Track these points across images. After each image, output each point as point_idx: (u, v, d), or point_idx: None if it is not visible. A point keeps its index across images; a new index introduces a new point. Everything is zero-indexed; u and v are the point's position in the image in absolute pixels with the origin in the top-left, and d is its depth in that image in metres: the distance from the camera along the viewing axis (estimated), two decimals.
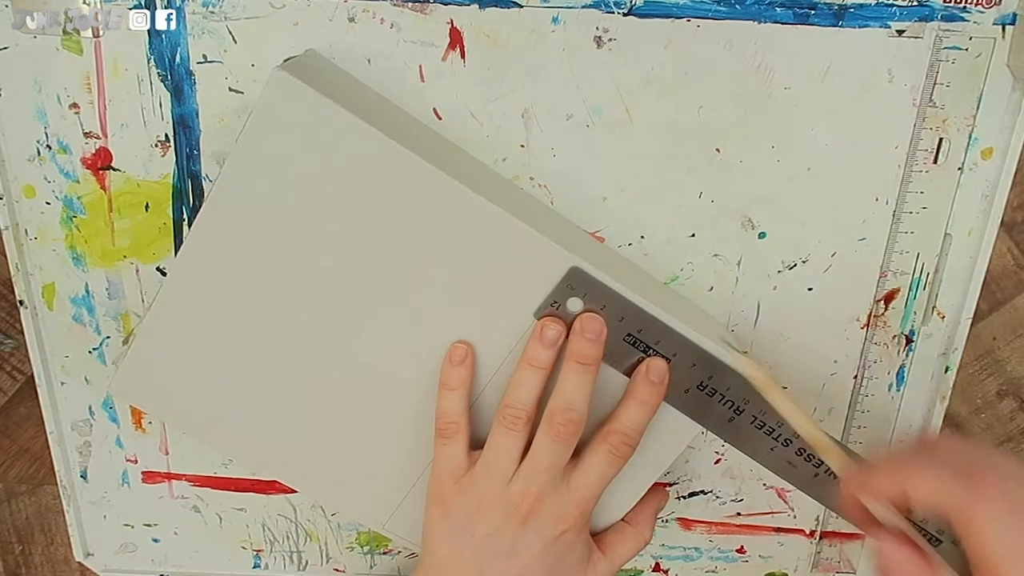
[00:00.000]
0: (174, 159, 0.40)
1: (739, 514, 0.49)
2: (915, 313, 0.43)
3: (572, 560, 0.41)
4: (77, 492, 0.49)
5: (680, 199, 0.41)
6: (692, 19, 0.37)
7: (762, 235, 0.41)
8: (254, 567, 0.51)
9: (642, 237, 0.41)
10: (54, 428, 0.46)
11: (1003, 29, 0.37)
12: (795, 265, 0.42)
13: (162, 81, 0.39)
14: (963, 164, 0.40)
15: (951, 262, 0.42)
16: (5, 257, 0.43)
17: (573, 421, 0.38)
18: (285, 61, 0.37)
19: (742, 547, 0.50)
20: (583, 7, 0.37)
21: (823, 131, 0.39)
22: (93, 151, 0.40)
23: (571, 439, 0.38)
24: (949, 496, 0.31)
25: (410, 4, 0.37)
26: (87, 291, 0.43)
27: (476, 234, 0.37)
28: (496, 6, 0.37)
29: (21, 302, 0.43)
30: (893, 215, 0.41)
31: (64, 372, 0.45)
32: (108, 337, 0.45)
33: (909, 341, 0.44)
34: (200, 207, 0.38)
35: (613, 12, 0.37)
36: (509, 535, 0.39)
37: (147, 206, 0.41)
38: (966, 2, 0.37)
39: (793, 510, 0.49)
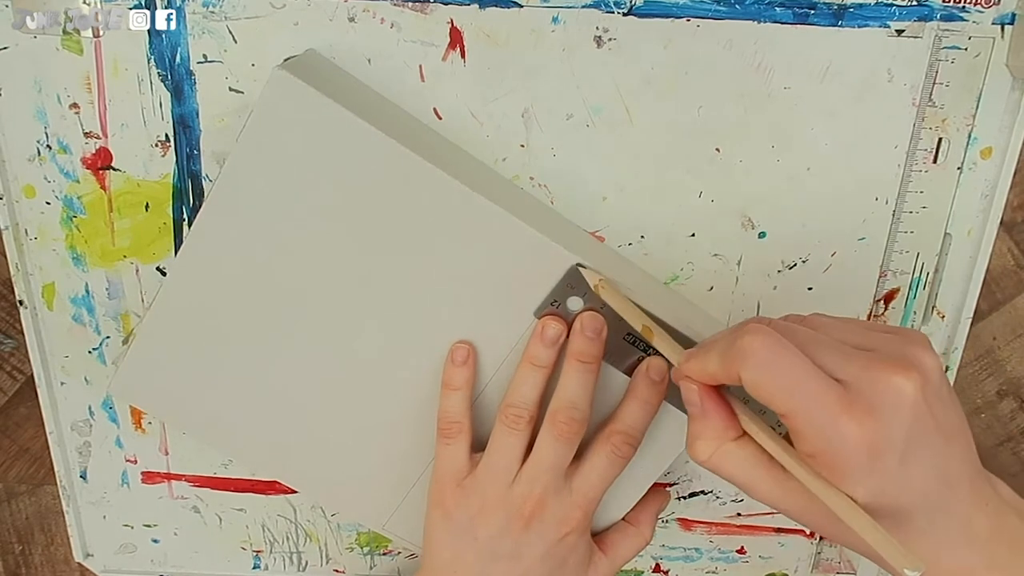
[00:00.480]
0: (174, 159, 0.40)
1: (739, 514, 0.49)
2: (915, 313, 0.43)
3: (574, 561, 0.41)
4: (77, 492, 0.49)
5: (680, 199, 0.41)
6: (692, 19, 0.37)
7: (762, 235, 0.41)
8: (254, 568, 0.51)
9: (642, 237, 0.41)
10: (54, 428, 0.46)
11: (1002, 29, 0.37)
12: (795, 265, 0.42)
13: (162, 81, 0.39)
14: (963, 164, 0.40)
15: (951, 262, 0.42)
16: (5, 257, 0.43)
17: (576, 420, 0.38)
18: (285, 61, 0.37)
19: (742, 547, 0.50)
20: (583, 7, 0.37)
21: (823, 131, 0.39)
22: (93, 151, 0.40)
23: (574, 438, 0.38)
24: (722, 370, 0.31)
25: (410, 4, 0.37)
26: (87, 291, 0.43)
27: (476, 233, 0.37)
28: (496, 6, 0.37)
29: (21, 302, 0.43)
30: (893, 215, 0.41)
31: (64, 372, 0.45)
32: (108, 337, 0.44)
33: None
34: (200, 207, 0.38)
35: (613, 12, 0.37)
36: (512, 538, 0.39)
37: (147, 206, 0.41)
38: (965, 2, 0.37)
39: None
